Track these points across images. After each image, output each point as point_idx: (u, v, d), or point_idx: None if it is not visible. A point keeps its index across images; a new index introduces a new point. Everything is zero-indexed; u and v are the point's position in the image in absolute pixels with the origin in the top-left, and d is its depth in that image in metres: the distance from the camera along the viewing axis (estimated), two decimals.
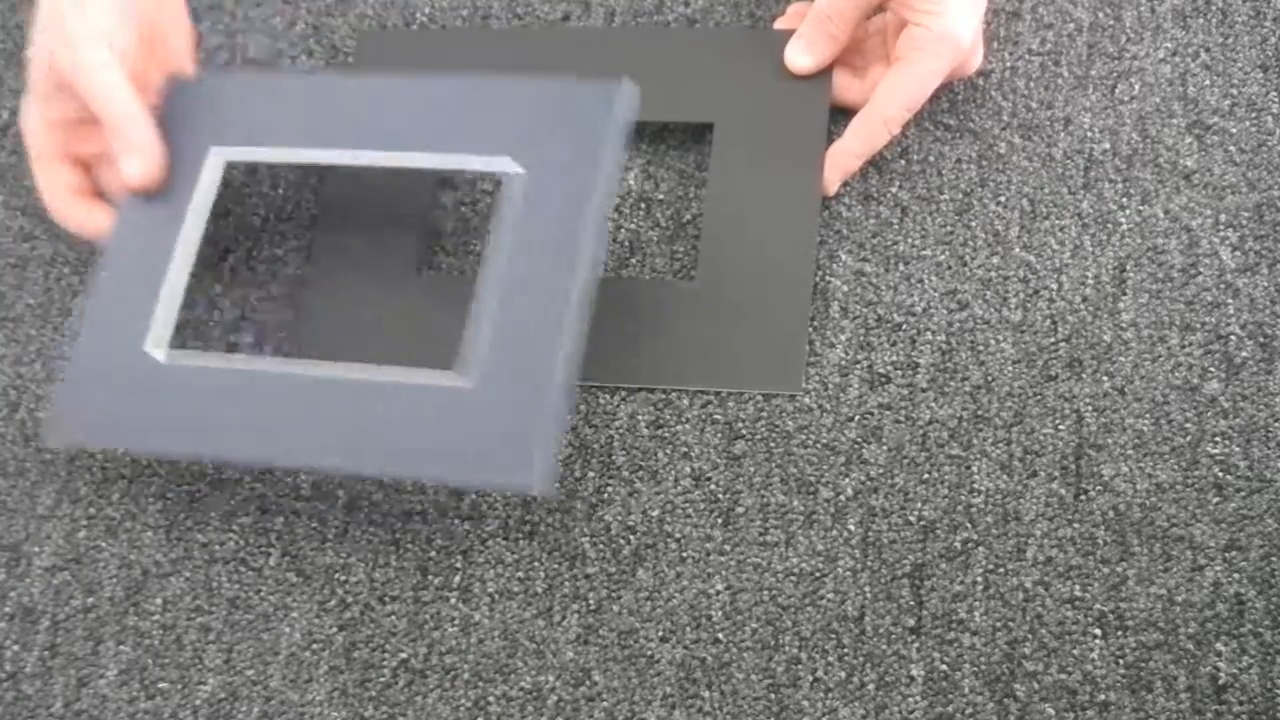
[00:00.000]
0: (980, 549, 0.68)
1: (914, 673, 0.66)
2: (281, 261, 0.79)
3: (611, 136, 0.70)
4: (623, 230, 0.79)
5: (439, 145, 0.72)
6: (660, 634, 0.68)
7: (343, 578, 0.71)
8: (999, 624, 0.66)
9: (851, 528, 0.69)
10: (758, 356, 0.73)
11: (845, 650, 0.67)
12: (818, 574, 0.69)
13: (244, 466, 0.74)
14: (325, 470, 0.72)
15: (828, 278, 0.76)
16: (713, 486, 0.71)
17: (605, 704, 0.67)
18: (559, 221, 0.68)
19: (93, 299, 0.74)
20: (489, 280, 0.68)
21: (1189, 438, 0.70)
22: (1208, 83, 0.78)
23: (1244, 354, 0.71)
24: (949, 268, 0.75)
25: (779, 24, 0.81)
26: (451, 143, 0.71)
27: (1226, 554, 0.67)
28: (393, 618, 0.70)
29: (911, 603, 0.67)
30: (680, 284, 0.75)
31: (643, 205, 0.79)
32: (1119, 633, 0.65)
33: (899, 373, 0.73)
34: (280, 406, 0.69)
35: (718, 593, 0.69)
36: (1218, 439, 0.69)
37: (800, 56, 0.77)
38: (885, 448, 0.71)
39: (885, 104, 0.75)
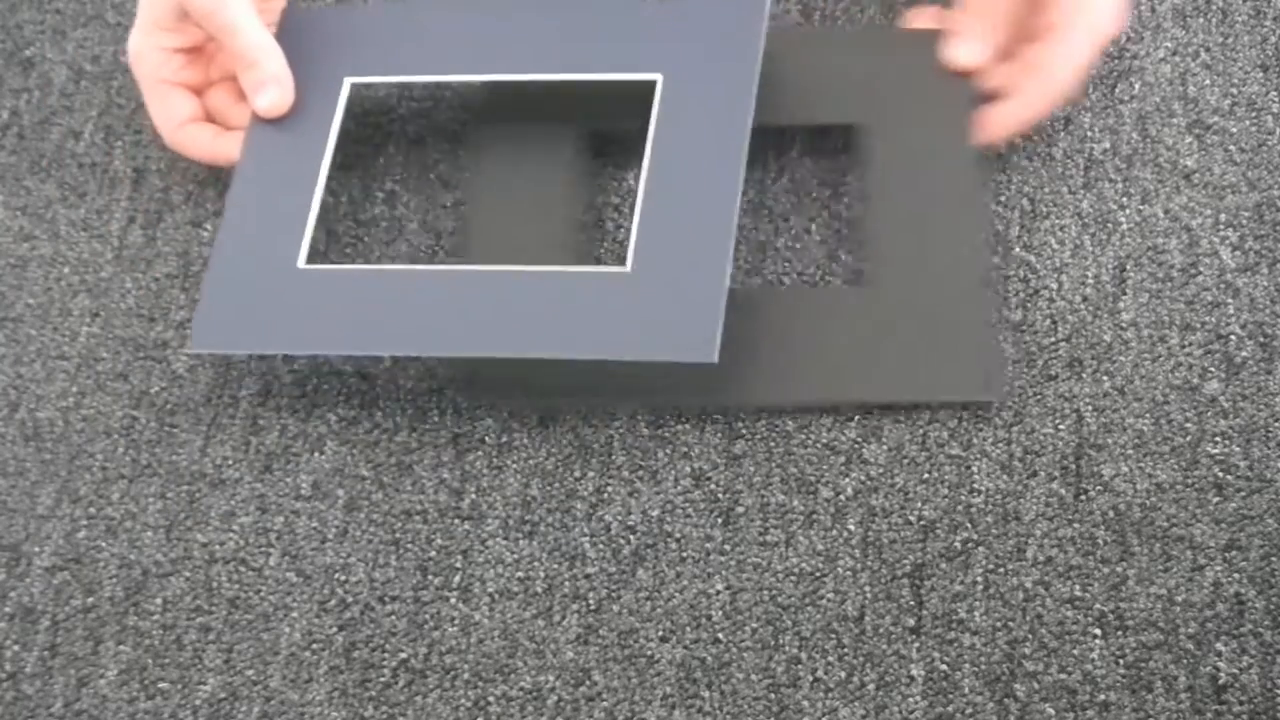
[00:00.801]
0: (980, 549, 0.68)
1: (914, 673, 0.66)
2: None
3: (758, 41, 0.74)
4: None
5: (583, 63, 0.76)
6: (660, 634, 0.68)
7: (343, 578, 0.71)
8: (999, 624, 0.66)
9: (851, 528, 0.69)
10: (948, 362, 0.71)
11: (845, 650, 0.67)
12: (818, 574, 0.69)
13: (393, 356, 0.75)
14: (486, 355, 0.71)
15: (828, 278, 0.76)
16: (713, 486, 0.71)
17: (605, 704, 0.67)
18: (719, 120, 0.73)
19: (228, 217, 0.76)
20: (657, 175, 0.72)
21: (1189, 438, 0.70)
22: (1208, 83, 0.78)
23: (1244, 354, 0.71)
24: None
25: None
26: (597, 58, 0.76)
27: (1226, 554, 0.67)
28: (393, 618, 0.70)
29: (911, 603, 0.67)
30: (851, 290, 0.75)
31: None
32: (1119, 633, 0.65)
33: None
34: (434, 301, 0.72)
35: (718, 593, 0.69)
36: (1218, 439, 0.69)
37: (967, 50, 0.75)
38: (885, 448, 0.71)
39: (1064, 79, 0.74)
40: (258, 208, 0.76)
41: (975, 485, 0.70)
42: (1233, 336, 0.71)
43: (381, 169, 0.83)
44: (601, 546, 0.71)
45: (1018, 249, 0.75)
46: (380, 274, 0.74)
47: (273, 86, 0.77)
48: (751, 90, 0.73)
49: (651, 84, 0.75)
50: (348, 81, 0.78)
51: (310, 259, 0.75)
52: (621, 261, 0.73)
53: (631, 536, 0.71)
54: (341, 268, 0.75)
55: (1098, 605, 0.66)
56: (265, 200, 0.76)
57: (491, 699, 0.68)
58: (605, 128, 0.79)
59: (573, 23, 0.77)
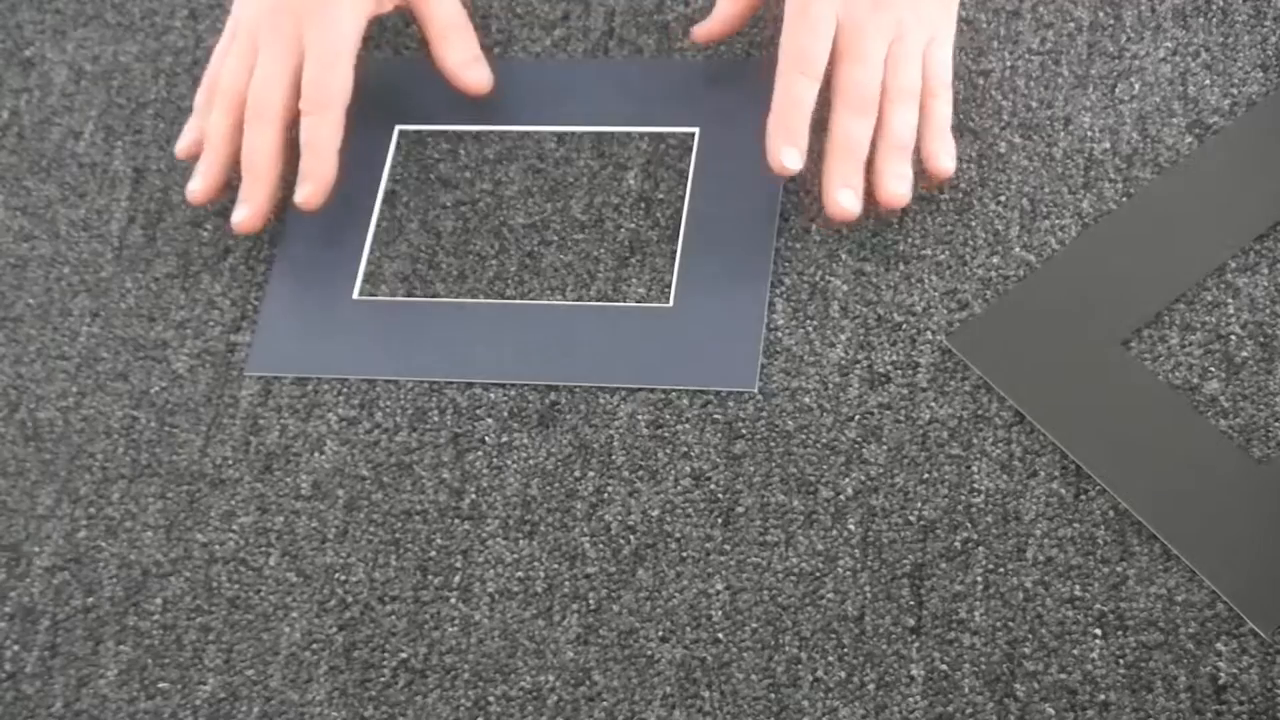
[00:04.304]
0: (980, 549, 0.68)
1: (914, 673, 0.66)
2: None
3: None
4: (622, 230, 0.79)
5: (626, 116, 0.82)
6: (660, 634, 0.68)
7: (343, 578, 0.71)
8: (999, 624, 0.66)
9: (851, 528, 0.69)
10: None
11: (845, 650, 0.67)
12: (818, 574, 0.69)
13: (441, 380, 0.76)
14: (534, 382, 0.75)
15: (827, 278, 0.76)
16: (713, 486, 0.71)
17: (605, 704, 0.67)
18: (752, 168, 0.78)
19: (285, 249, 0.80)
20: (695, 218, 0.78)
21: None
22: (1208, 82, 0.78)
23: (1244, 354, 0.71)
24: (949, 268, 0.75)
25: (704, 32, 0.82)
26: (639, 113, 0.82)
27: None
28: (393, 618, 0.70)
29: (911, 603, 0.67)
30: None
31: (642, 205, 0.79)
32: (1119, 633, 0.65)
33: (899, 373, 0.73)
34: (483, 331, 0.76)
35: (718, 593, 0.69)
36: (1218, 439, 0.69)
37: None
38: (885, 448, 0.71)
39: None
40: (314, 242, 0.80)
41: (975, 485, 0.70)
42: (1233, 336, 0.71)
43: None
44: (601, 546, 0.71)
45: (1018, 249, 0.75)
46: (430, 305, 0.78)
47: (486, 66, 0.82)
48: None
49: (690, 135, 0.80)
50: (397, 129, 0.84)
51: (361, 292, 0.79)
52: (663, 298, 0.76)
53: (631, 536, 0.71)
54: (393, 299, 0.78)
55: (1098, 605, 0.66)
56: (321, 236, 0.80)
57: (491, 699, 0.68)
58: None
59: (615, 79, 0.83)
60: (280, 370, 0.77)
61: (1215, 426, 0.69)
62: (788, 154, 0.74)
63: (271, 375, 0.77)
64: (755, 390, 0.73)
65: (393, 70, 0.86)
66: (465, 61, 0.81)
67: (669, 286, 0.76)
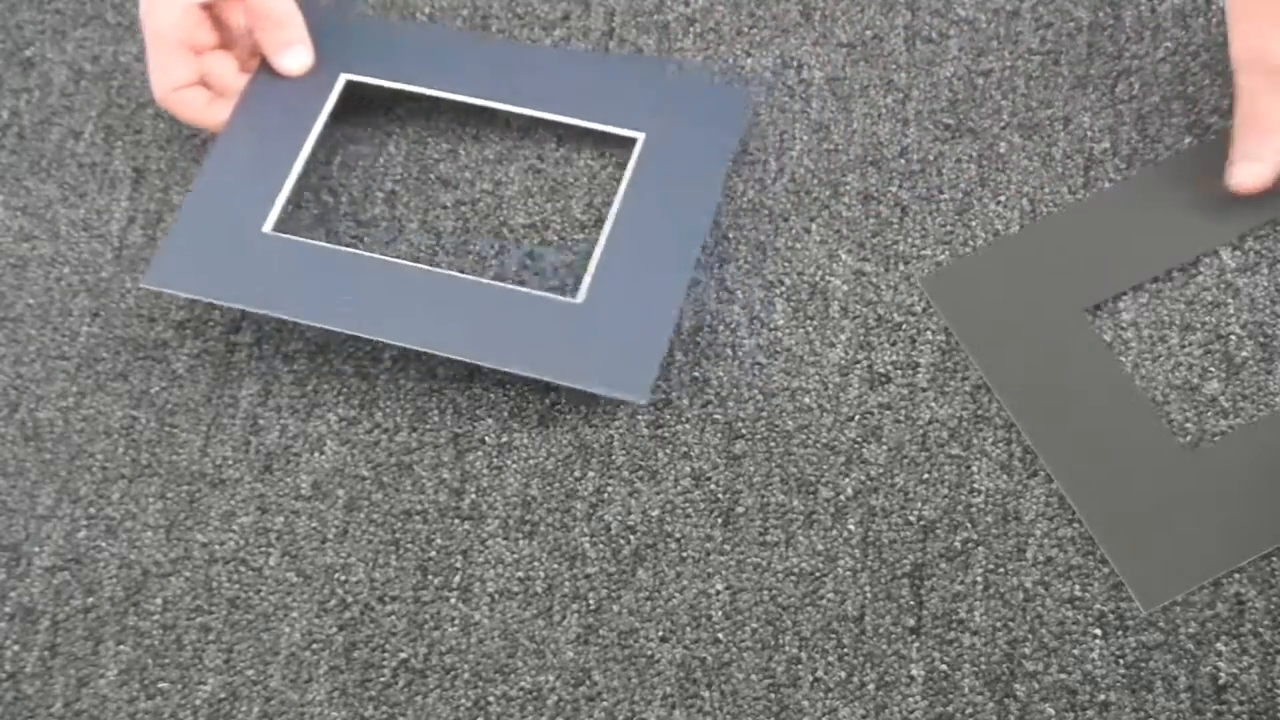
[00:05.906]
0: (980, 549, 0.68)
1: (914, 673, 0.66)
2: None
3: (738, 119, 0.80)
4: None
5: (574, 108, 0.81)
6: (660, 634, 0.68)
7: (343, 578, 0.71)
8: (999, 624, 0.66)
9: (851, 528, 0.69)
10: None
11: (845, 650, 0.67)
12: (818, 574, 0.69)
13: (336, 333, 0.76)
14: (428, 351, 0.74)
15: (827, 278, 0.76)
16: (713, 486, 0.71)
17: (605, 704, 0.67)
18: (690, 184, 0.78)
19: (207, 171, 0.79)
20: (623, 222, 0.77)
21: (1189, 438, 0.70)
22: (1207, 82, 0.78)
23: (1244, 354, 0.71)
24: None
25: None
26: (588, 106, 0.81)
27: None
28: (393, 618, 0.70)
29: (911, 603, 0.67)
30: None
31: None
32: (1119, 633, 0.65)
33: (899, 373, 0.73)
34: (389, 291, 0.75)
35: (718, 593, 0.69)
36: (1217, 439, 0.69)
37: (1251, 172, 0.72)
38: (885, 448, 0.71)
39: None
40: (238, 170, 0.80)
41: (975, 485, 0.70)
42: (1233, 336, 0.71)
43: (381, 169, 0.83)
44: (601, 546, 0.71)
45: None
46: (340, 255, 0.77)
47: (300, 48, 0.81)
48: (724, 162, 0.78)
49: (632, 140, 0.80)
50: (344, 77, 0.82)
51: (277, 228, 0.78)
52: (574, 292, 0.75)
53: (631, 536, 0.71)
54: (305, 240, 0.78)
55: (1098, 605, 0.66)
56: (246, 165, 0.80)
57: (491, 699, 0.68)
58: None
59: (571, 68, 0.83)
60: (177, 289, 0.76)
61: (1148, 404, 0.69)
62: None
63: (166, 291, 0.76)
64: (644, 402, 0.72)
65: (341, 19, 0.86)
66: (285, 45, 0.82)
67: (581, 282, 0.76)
